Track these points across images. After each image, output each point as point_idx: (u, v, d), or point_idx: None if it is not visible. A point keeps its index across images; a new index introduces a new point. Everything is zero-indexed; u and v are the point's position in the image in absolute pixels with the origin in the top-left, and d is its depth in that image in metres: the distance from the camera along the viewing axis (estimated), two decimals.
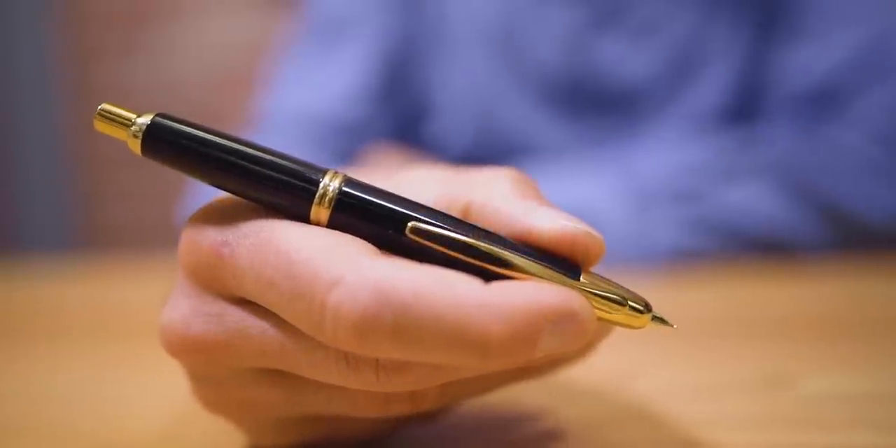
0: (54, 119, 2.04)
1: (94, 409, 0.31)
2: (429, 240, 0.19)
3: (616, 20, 0.71)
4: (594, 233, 0.20)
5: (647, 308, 0.19)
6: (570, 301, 0.17)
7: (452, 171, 0.23)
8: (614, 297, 0.19)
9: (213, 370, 0.21)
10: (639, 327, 0.19)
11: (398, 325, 0.16)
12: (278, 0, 1.72)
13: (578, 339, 0.17)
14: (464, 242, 0.19)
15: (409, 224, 0.19)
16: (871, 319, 0.42)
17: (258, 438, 0.24)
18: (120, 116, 0.20)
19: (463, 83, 0.75)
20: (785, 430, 0.24)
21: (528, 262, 0.19)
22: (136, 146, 0.19)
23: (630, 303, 0.19)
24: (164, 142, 0.19)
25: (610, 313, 0.19)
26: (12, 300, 0.64)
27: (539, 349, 0.17)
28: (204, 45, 1.97)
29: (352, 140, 0.73)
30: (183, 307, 0.20)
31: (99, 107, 0.20)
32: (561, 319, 0.17)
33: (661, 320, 0.20)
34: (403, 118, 0.77)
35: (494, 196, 0.21)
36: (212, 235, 0.20)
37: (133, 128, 0.19)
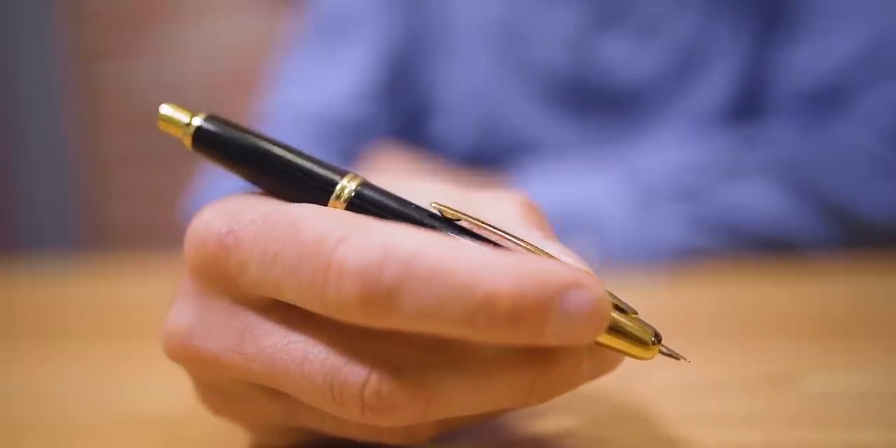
0: (58, 119, 2.05)
1: (98, 408, 0.31)
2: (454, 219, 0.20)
3: (619, 19, 0.71)
4: (593, 273, 0.19)
5: (658, 338, 0.19)
6: (585, 277, 0.16)
7: (459, 187, 0.23)
8: (627, 307, 0.19)
9: (213, 379, 0.21)
10: (646, 358, 0.19)
11: (403, 279, 0.16)
12: (282, 0, 1.72)
13: (591, 325, 0.16)
14: (490, 228, 0.19)
15: (433, 204, 0.20)
16: (875, 318, 0.42)
17: (262, 438, 0.24)
18: (174, 118, 0.22)
19: (466, 82, 0.75)
20: (788, 428, 0.24)
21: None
22: (189, 144, 0.21)
23: (639, 333, 0.18)
24: (210, 142, 0.21)
25: (620, 327, 0.18)
26: (15, 299, 0.64)
27: (549, 330, 0.16)
28: (207, 46, 1.97)
29: (355, 138, 0.73)
30: (187, 312, 0.20)
31: (159, 109, 0.22)
32: (575, 289, 0.16)
33: (671, 354, 0.19)
34: (407, 117, 0.77)
35: (500, 220, 0.21)
36: (216, 229, 0.20)
37: (188, 128, 0.21)
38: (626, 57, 0.71)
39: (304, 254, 0.17)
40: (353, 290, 0.16)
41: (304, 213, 0.18)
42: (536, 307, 0.16)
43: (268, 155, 0.21)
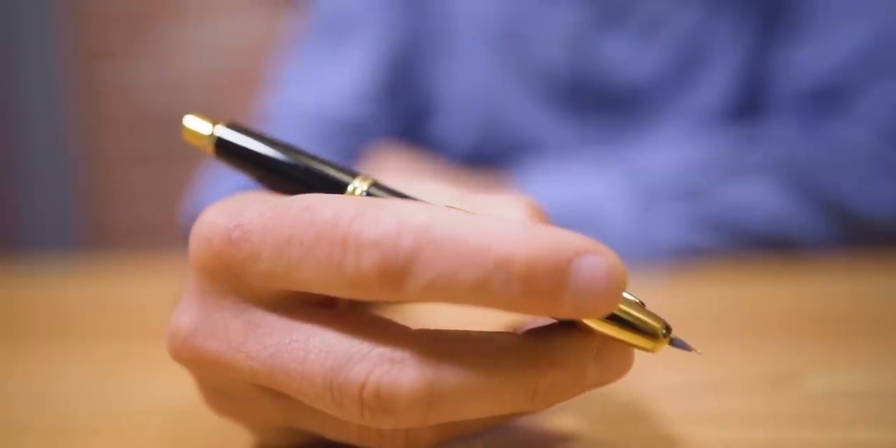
0: (59, 119, 2.05)
1: (98, 408, 0.31)
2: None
3: (619, 19, 0.71)
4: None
5: (668, 330, 0.19)
6: (601, 245, 0.16)
7: (462, 189, 0.23)
8: (635, 299, 0.19)
9: (216, 380, 0.21)
10: (655, 351, 0.19)
11: (419, 247, 0.16)
12: (283, 0, 1.72)
13: (607, 290, 0.16)
14: None
15: (446, 206, 0.20)
16: (876, 316, 0.42)
17: (265, 438, 0.24)
18: (197, 129, 0.22)
19: (467, 82, 0.75)
20: (789, 427, 0.24)
21: None
22: (211, 152, 0.22)
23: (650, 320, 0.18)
24: (231, 150, 0.22)
25: (630, 318, 0.18)
26: (16, 299, 0.64)
27: (566, 296, 0.16)
28: (208, 46, 1.97)
29: (357, 138, 0.73)
30: (192, 311, 0.21)
31: (183, 121, 0.23)
32: (589, 255, 0.16)
33: (682, 345, 0.19)
34: (408, 117, 0.77)
35: None
36: (222, 225, 0.20)
37: (211, 138, 0.22)
38: (627, 56, 0.71)
39: (319, 233, 0.17)
40: (371, 262, 0.16)
41: (315, 200, 0.18)
42: (552, 269, 0.16)
43: (284, 160, 0.22)
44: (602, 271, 0.16)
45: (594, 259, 0.16)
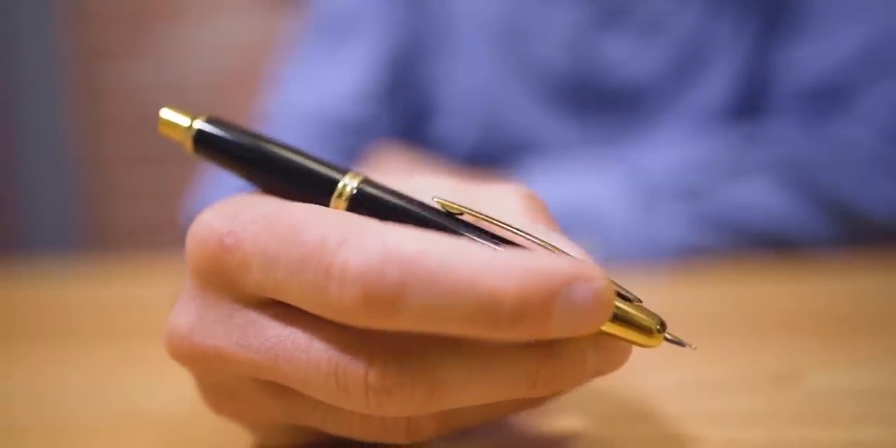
0: (60, 119, 2.05)
1: (100, 409, 0.31)
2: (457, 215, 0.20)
3: (620, 18, 0.71)
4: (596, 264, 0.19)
5: (663, 326, 0.19)
6: (588, 269, 0.16)
7: (462, 182, 0.23)
8: (631, 296, 0.19)
9: (216, 377, 0.21)
10: (652, 346, 0.19)
11: (405, 281, 0.16)
12: (283, 0, 1.72)
13: (594, 315, 0.16)
14: (493, 221, 0.19)
15: (435, 199, 0.20)
16: (877, 315, 0.42)
17: (265, 438, 0.24)
18: (175, 122, 0.22)
19: (468, 82, 0.75)
20: (791, 425, 0.24)
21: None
22: (189, 147, 0.22)
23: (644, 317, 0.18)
24: (211, 145, 0.21)
25: (625, 316, 0.18)
26: (17, 300, 0.64)
27: (553, 324, 0.16)
28: (209, 46, 1.97)
29: (357, 138, 0.73)
30: (189, 311, 0.21)
31: (159, 113, 0.22)
32: (577, 283, 0.16)
33: (677, 341, 0.19)
34: (408, 117, 0.77)
35: (504, 214, 0.21)
36: (217, 229, 0.20)
37: (189, 131, 0.21)
38: (628, 56, 0.71)
39: (305, 255, 0.17)
40: (356, 293, 0.16)
41: (305, 214, 0.18)
42: (540, 304, 0.16)
43: (269, 156, 0.21)
44: (588, 299, 0.16)
45: (581, 288, 0.16)
